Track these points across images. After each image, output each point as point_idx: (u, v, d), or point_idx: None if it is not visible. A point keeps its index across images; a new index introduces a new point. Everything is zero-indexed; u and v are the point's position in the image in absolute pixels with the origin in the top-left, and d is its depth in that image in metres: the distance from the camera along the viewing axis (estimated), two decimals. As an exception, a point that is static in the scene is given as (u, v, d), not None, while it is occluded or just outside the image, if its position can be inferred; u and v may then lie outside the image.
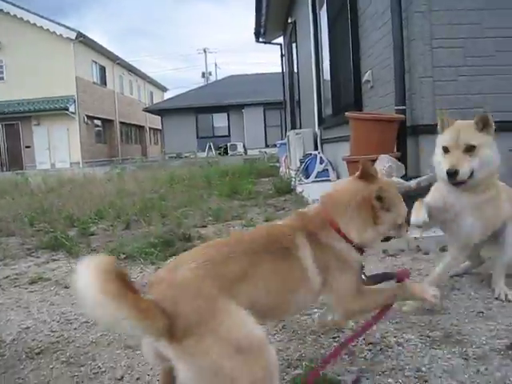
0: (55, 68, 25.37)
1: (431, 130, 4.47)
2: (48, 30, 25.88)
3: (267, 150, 21.79)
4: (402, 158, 4.18)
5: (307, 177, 7.31)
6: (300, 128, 11.43)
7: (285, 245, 1.48)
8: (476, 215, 2.20)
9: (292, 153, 9.21)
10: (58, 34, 25.92)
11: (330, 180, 6.89)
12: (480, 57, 4.44)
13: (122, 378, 1.80)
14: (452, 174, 2.08)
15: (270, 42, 16.20)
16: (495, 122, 2.18)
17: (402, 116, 4.20)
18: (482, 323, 2.05)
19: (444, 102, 4.33)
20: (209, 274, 1.30)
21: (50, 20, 26.41)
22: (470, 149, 2.08)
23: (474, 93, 4.38)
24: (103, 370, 1.87)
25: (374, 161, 3.81)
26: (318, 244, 1.52)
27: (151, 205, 5.92)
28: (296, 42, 12.47)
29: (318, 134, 8.97)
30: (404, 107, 4.34)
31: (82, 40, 26.79)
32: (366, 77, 5.67)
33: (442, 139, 2.21)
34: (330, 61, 7.91)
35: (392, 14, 4.45)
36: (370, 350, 1.87)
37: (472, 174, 2.10)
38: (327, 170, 7.23)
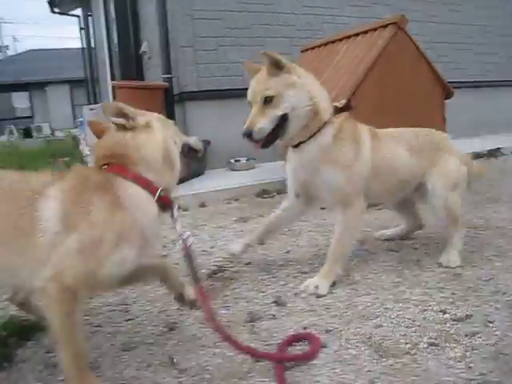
0: None
1: (195, 96, 4.79)
2: None
3: (76, 131, 20.45)
4: (171, 125, 4.36)
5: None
6: (100, 105, 10.96)
7: None
8: (330, 160, 1.87)
9: (87, 130, 8.80)
10: None
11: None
12: (237, 29, 4.83)
13: None
14: (248, 136, 1.76)
15: (66, 14, 14.96)
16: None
17: (165, 84, 4.37)
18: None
19: (206, 70, 4.63)
20: None
21: None
22: (269, 100, 1.75)
23: (233, 61, 4.77)
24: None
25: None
26: None
27: None
28: (92, 14, 11.83)
29: (114, 108, 8.73)
30: (170, 76, 4.51)
31: None
32: (142, 48, 5.71)
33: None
34: (118, 33, 7.73)
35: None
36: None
37: (286, 123, 1.80)
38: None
